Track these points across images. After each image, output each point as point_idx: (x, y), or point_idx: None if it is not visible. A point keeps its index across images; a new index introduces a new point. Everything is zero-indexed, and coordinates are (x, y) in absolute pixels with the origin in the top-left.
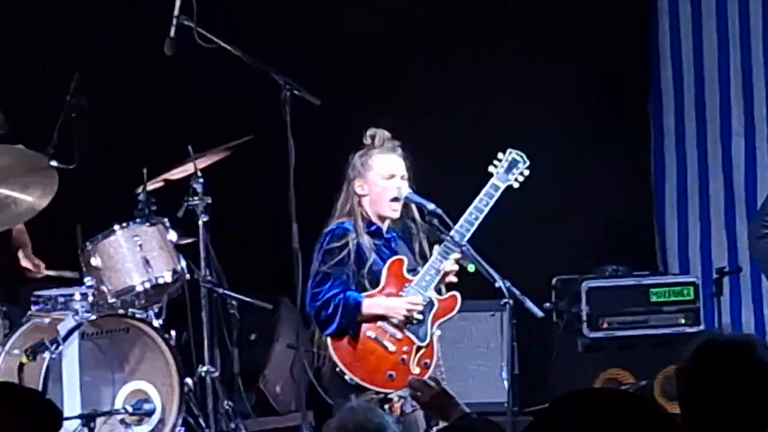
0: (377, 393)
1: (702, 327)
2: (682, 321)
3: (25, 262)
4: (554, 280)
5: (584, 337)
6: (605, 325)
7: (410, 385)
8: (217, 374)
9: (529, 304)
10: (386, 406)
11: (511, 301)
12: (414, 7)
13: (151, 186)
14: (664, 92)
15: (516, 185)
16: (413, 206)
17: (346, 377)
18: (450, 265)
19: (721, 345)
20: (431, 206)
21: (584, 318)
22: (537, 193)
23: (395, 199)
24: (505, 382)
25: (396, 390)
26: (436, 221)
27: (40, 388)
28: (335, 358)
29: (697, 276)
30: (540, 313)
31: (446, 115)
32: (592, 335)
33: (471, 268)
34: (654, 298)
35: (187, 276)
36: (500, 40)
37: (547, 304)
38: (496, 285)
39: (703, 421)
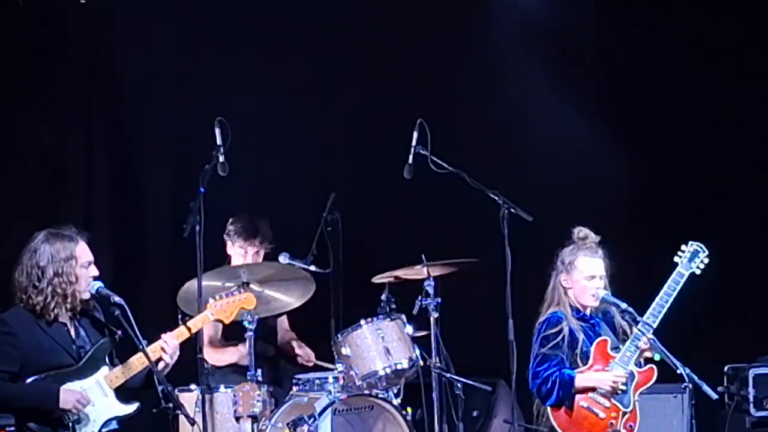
0: None
1: None
2: None
3: (299, 351)
4: (726, 368)
5: (751, 415)
6: None
7: None
8: None
9: (705, 387)
10: None
11: (690, 385)
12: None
13: (384, 280)
14: None
15: (698, 272)
16: None
17: None
18: (645, 344)
19: None
20: (624, 305)
21: (751, 400)
22: (707, 296)
23: (593, 295)
24: None
25: None
26: (628, 317)
27: None
28: (555, 425)
29: None
30: (714, 396)
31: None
32: (758, 414)
33: (657, 357)
34: None
35: (421, 363)
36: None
37: (720, 388)
38: (678, 371)
39: None
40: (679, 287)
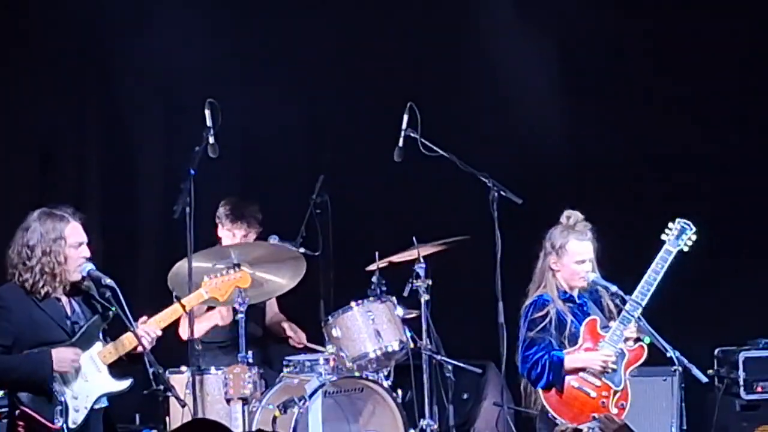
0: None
1: None
2: None
3: (290, 333)
4: (716, 351)
5: (741, 398)
6: (759, 389)
7: (598, 419)
8: (435, 427)
9: (695, 371)
10: None
11: (680, 369)
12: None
13: (379, 266)
14: None
15: (686, 249)
16: None
17: (557, 421)
18: (631, 332)
19: None
20: (613, 288)
21: (741, 383)
22: (698, 282)
23: (583, 278)
24: None
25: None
26: (617, 300)
27: None
28: (546, 406)
29: None
30: (704, 379)
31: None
32: (748, 397)
33: (647, 340)
34: None
35: (411, 345)
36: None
37: (710, 371)
38: (668, 355)
39: None
40: (667, 265)
